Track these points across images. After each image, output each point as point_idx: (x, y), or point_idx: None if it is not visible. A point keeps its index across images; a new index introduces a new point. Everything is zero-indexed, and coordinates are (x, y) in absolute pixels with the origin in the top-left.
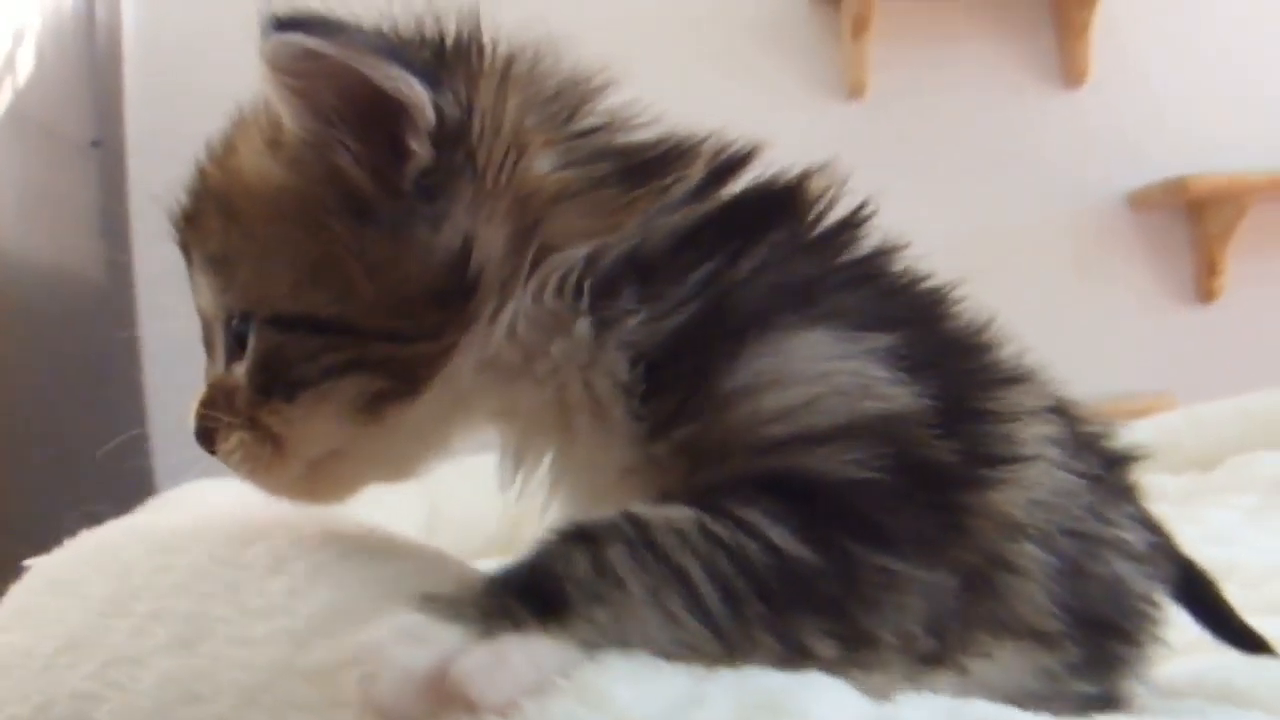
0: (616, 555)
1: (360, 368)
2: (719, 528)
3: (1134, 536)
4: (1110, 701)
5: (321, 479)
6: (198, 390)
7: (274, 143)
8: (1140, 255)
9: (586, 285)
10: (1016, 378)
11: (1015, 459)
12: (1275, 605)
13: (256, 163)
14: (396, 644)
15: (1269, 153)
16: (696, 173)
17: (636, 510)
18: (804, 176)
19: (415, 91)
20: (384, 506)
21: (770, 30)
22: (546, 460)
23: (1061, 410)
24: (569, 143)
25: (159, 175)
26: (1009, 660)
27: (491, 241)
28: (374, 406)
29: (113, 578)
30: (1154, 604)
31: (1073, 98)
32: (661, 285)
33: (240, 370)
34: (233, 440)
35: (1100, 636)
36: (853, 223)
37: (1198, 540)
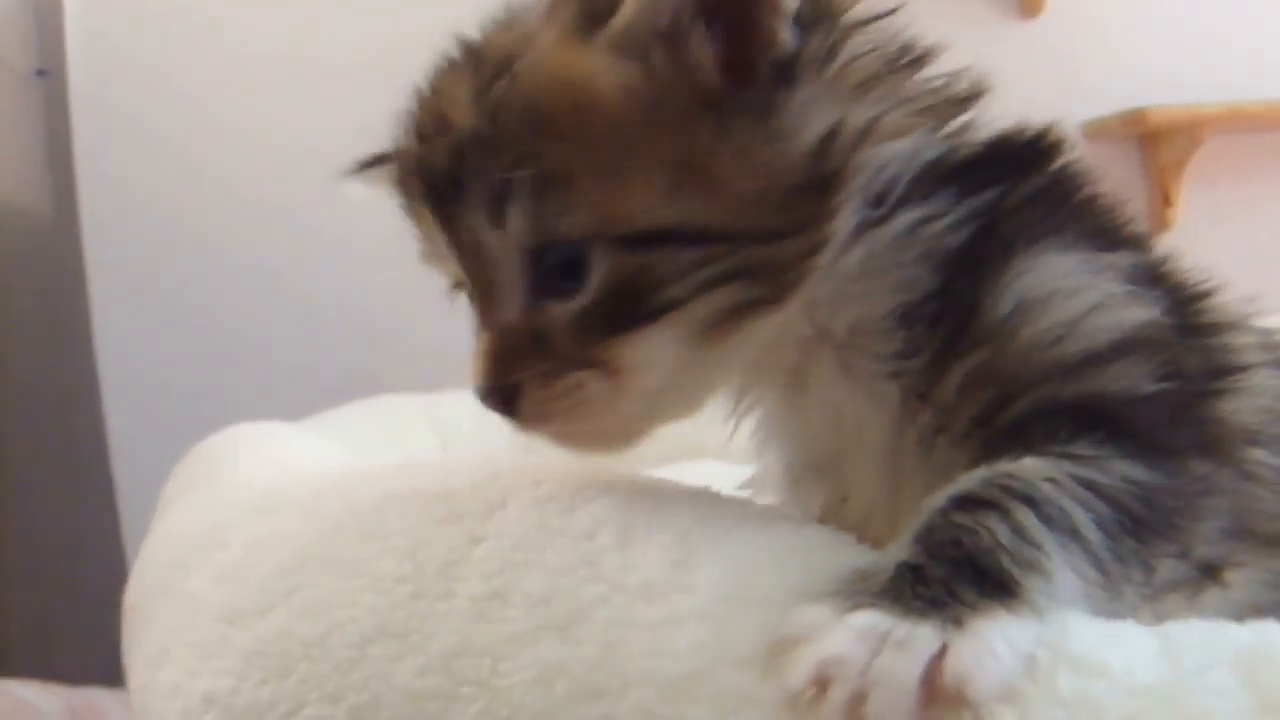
0: (1027, 519)
1: (735, 277)
2: (1083, 471)
3: None
4: None
5: (643, 419)
6: (481, 346)
7: (592, 40)
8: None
9: (906, 181)
10: (1209, 291)
11: (1241, 368)
12: None
13: (581, 62)
14: (873, 653)
15: (1224, 85)
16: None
17: (1007, 468)
18: (1048, 129)
19: None
20: (401, 446)
21: None
22: (786, 396)
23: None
24: (885, 45)
25: (104, 104)
26: (1254, 570)
27: (847, 131)
28: (731, 323)
29: (399, 552)
30: None
31: (1028, 27)
32: (959, 198)
33: (568, 306)
34: (558, 387)
35: None
36: (1076, 169)
37: None
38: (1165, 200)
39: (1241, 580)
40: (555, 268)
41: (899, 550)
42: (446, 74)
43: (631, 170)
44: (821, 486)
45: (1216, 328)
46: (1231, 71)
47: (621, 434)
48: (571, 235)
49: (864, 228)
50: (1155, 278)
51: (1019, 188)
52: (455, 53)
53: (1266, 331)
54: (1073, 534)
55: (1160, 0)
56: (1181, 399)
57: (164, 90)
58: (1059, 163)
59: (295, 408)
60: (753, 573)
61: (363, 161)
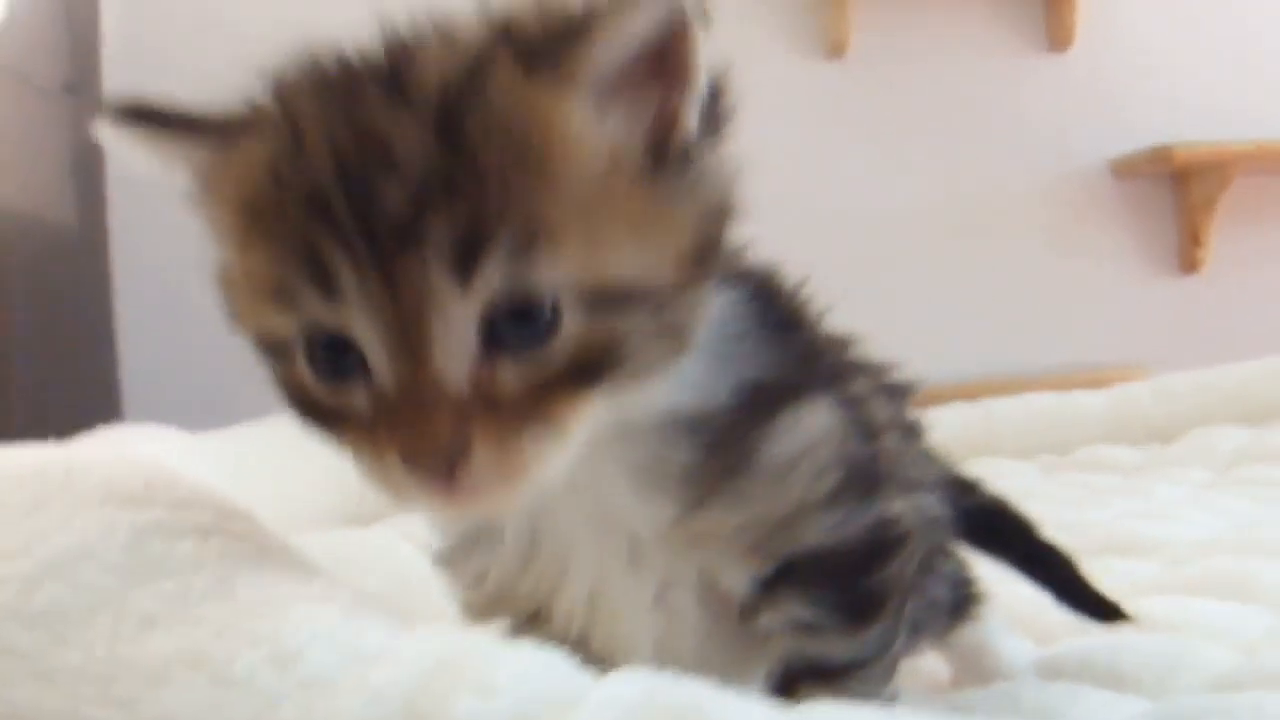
0: None
1: (663, 334)
2: None
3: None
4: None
5: (558, 472)
6: (417, 410)
7: (560, 79)
8: (1123, 224)
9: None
10: (864, 368)
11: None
12: (1192, 585)
13: (555, 102)
14: None
15: (1255, 122)
16: None
17: None
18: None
19: (702, 63)
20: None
21: None
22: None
23: (876, 374)
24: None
25: None
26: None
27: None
28: (642, 378)
29: None
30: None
31: (1058, 61)
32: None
33: (527, 363)
34: (512, 448)
35: None
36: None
37: (1135, 515)
38: (1194, 240)
39: None
40: (509, 322)
41: None
42: (360, 96)
43: (601, 221)
44: (524, 559)
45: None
46: (1262, 109)
47: (536, 489)
48: (549, 289)
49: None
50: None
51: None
52: (354, 71)
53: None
54: None
55: (1192, 36)
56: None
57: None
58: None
59: None
60: None
61: (133, 110)
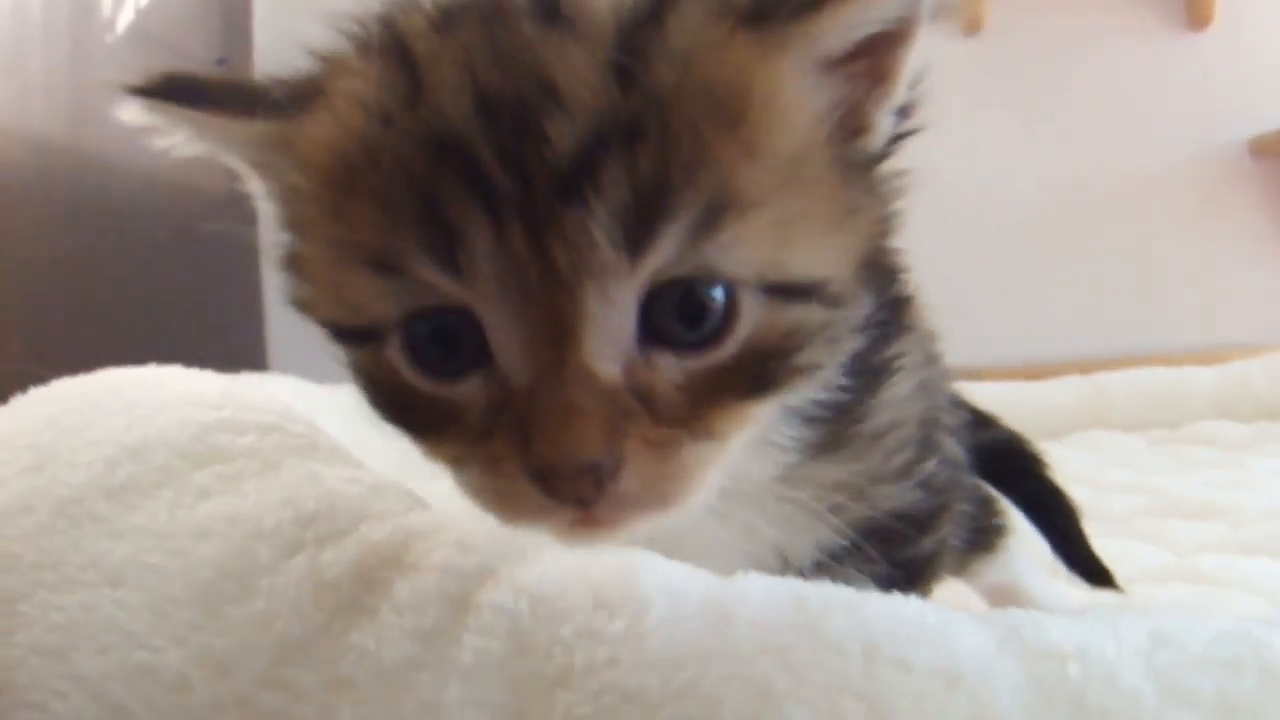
0: None
1: (829, 341)
2: None
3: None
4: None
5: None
6: (559, 411)
7: (773, 42)
8: (1260, 202)
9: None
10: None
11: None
12: (1246, 545)
13: (768, 65)
14: None
15: None
16: None
17: None
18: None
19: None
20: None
21: None
22: None
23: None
24: None
25: None
26: None
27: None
28: (801, 386)
29: None
30: None
31: (1197, 40)
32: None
33: (691, 360)
34: (672, 460)
35: None
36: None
37: (1217, 484)
38: None
39: None
40: (675, 309)
41: None
42: (509, 24)
43: (796, 206)
44: None
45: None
46: None
47: (685, 510)
48: (732, 274)
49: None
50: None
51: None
52: (494, 2)
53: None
54: None
55: None
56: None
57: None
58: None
59: None
60: None
61: (159, 83)
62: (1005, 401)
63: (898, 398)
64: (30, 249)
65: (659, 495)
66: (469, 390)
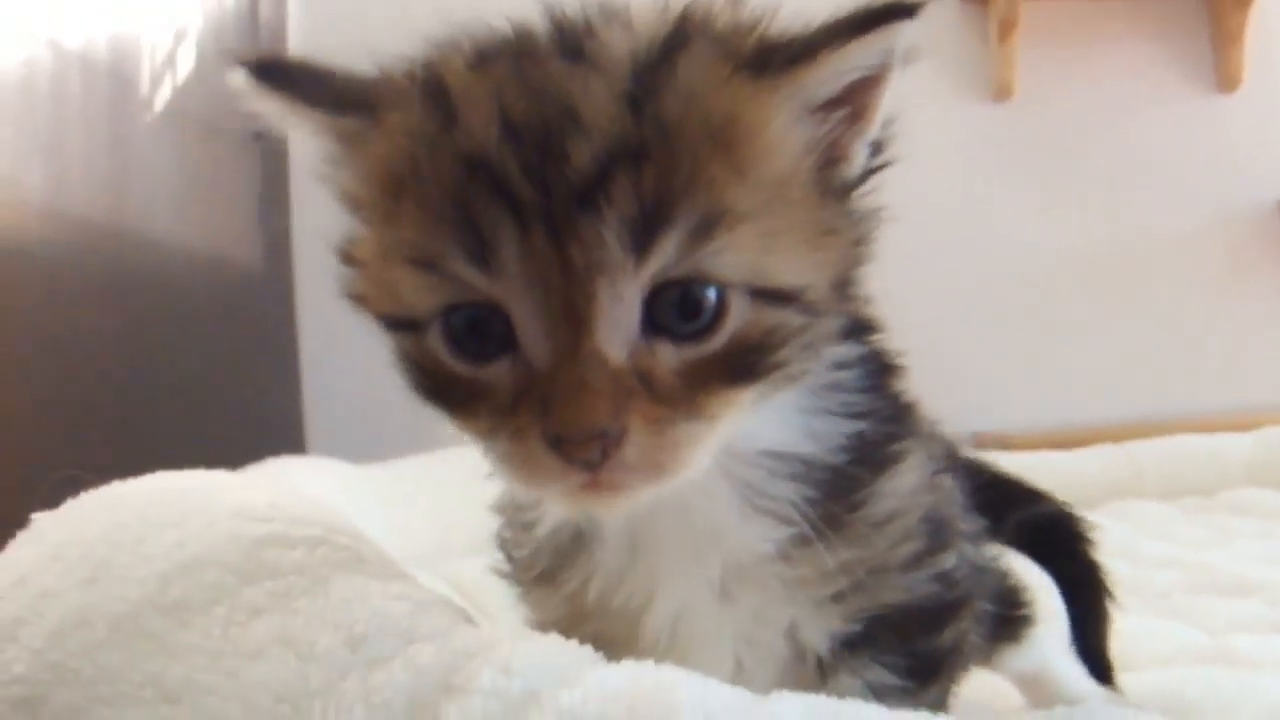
0: None
1: (806, 346)
2: None
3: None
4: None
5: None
6: (573, 387)
7: (764, 84)
8: None
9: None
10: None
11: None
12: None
13: (760, 102)
14: None
15: None
16: None
17: None
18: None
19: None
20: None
21: (919, 29)
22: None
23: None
24: None
25: (319, 166)
26: None
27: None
28: (783, 384)
29: None
30: None
31: (1225, 103)
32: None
33: (685, 349)
34: (667, 434)
35: None
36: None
37: (1253, 558)
38: None
39: None
40: (673, 305)
41: None
42: (537, 60)
43: (779, 223)
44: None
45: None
46: None
47: (679, 483)
48: (722, 277)
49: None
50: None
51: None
52: (526, 41)
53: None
54: None
55: None
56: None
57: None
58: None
59: None
60: None
61: (272, 68)
62: (1038, 471)
63: (900, 489)
64: (71, 327)
65: (656, 465)
66: (498, 371)
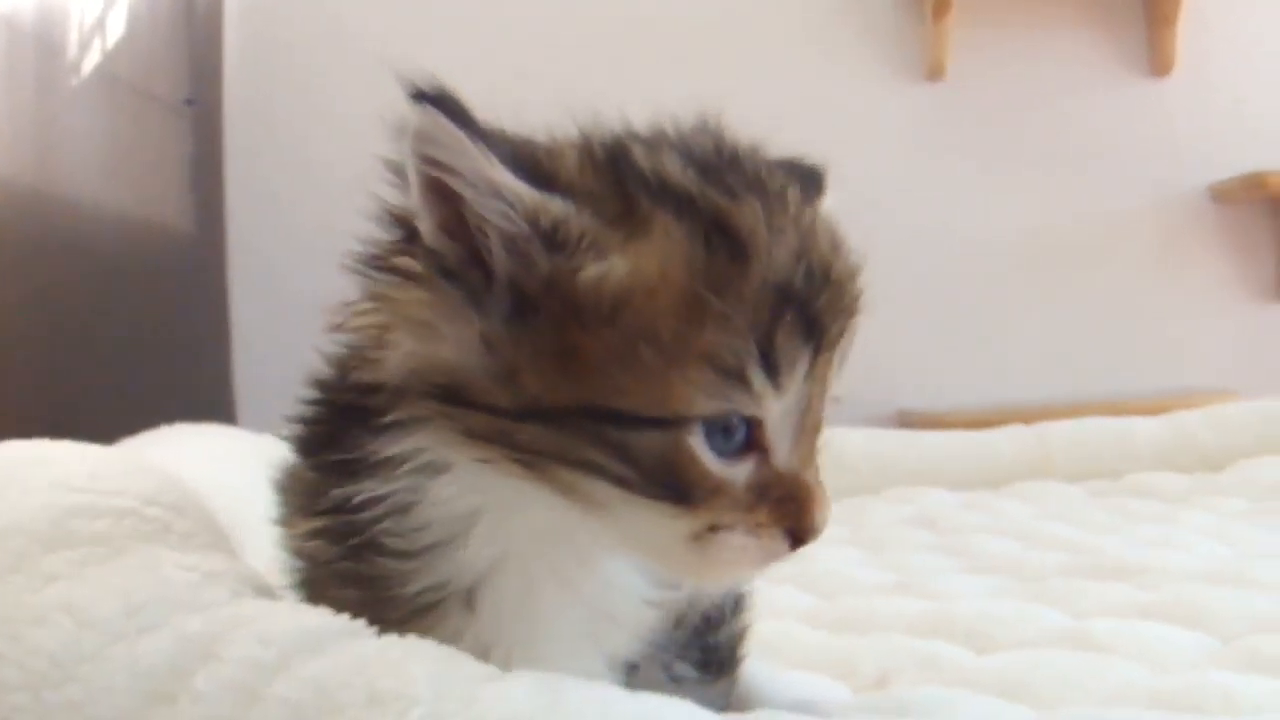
0: None
1: None
2: None
3: None
4: None
5: None
6: (814, 486)
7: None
8: (1221, 249)
9: None
10: None
11: None
12: (1149, 609)
13: None
14: None
15: None
16: None
17: None
18: None
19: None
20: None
21: (851, 9)
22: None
23: None
24: None
25: (253, 133)
26: None
27: None
28: None
29: None
30: None
31: (1158, 87)
32: None
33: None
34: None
35: None
36: None
37: (1145, 542)
38: None
39: None
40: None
41: None
42: (783, 198)
43: None
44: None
45: None
46: None
47: None
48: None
49: None
50: None
51: None
52: (742, 166)
53: None
54: None
55: None
56: None
57: (315, 112)
58: None
59: None
60: None
61: (462, 118)
62: (950, 450)
63: None
64: None
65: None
66: (742, 470)
